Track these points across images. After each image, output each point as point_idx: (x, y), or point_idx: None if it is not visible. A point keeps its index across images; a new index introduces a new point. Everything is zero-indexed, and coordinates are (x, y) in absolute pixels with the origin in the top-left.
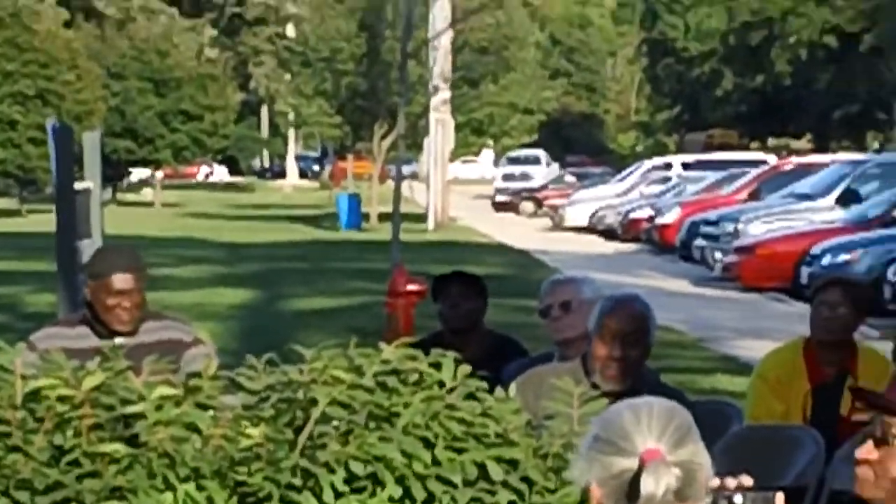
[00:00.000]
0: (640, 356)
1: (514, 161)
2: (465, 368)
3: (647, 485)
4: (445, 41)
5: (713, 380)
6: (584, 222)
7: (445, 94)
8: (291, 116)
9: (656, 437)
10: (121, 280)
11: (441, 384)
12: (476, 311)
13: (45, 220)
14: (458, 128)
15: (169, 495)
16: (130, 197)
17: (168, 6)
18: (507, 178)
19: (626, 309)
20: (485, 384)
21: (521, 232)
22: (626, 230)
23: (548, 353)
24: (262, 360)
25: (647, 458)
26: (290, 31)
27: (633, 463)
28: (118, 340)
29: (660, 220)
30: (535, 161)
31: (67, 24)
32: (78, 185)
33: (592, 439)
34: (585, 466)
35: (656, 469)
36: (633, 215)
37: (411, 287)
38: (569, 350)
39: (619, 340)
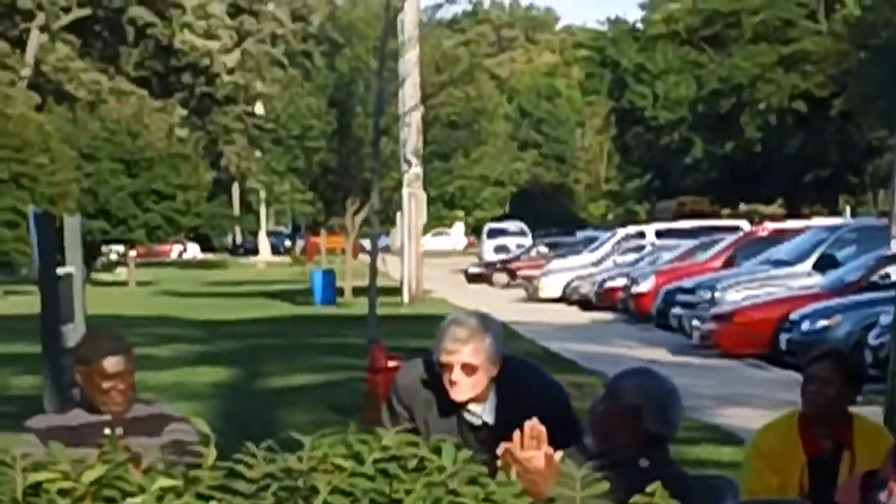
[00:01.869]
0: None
1: (498, 233)
2: (466, 453)
3: None
4: (417, 117)
5: (698, 450)
6: (559, 293)
7: (417, 168)
8: (263, 194)
9: None
10: (112, 363)
11: (442, 469)
12: None
13: (22, 303)
14: (430, 201)
15: None
16: (105, 276)
17: (138, 87)
18: (498, 250)
19: (617, 395)
20: (484, 469)
21: (496, 304)
22: (602, 300)
23: None
24: (261, 448)
25: None
26: (260, 109)
27: None
28: (107, 416)
29: (635, 289)
30: (522, 233)
31: (39, 108)
32: (60, 271)
33: None
34: None
35: None
36: (608, 285)
37: (391, 363)
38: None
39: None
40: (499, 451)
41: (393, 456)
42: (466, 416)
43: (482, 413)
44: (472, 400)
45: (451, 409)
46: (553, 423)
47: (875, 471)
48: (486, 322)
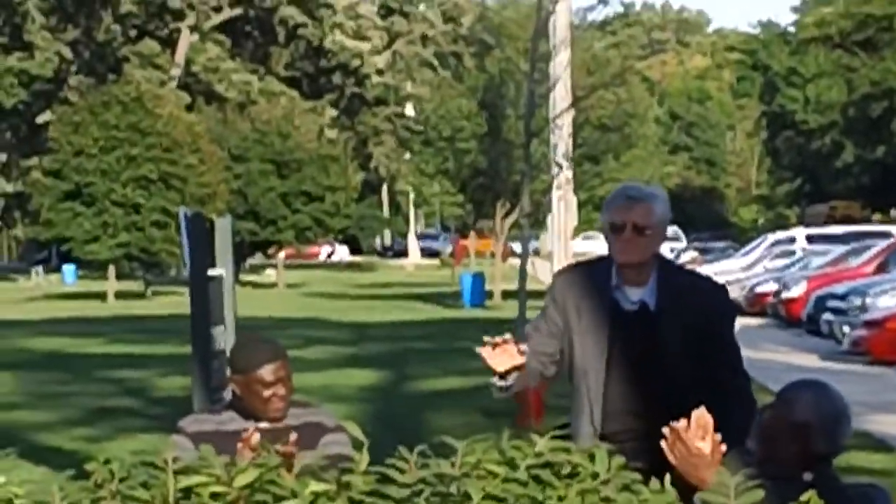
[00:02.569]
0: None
1: None
2: (620, 460)
3: None
4: (567, 119)
5: (849, 457)
6: None
7: (568, 172)
8: (412, 195)
9: None
10: (271, 371)
11: (595, 476)
12: None
13: (170, 303)
14: (580, 205)
15: None
16: (254, 278)
17: (288, 88)
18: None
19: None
20: (639, 476)
21: None
22: (752, 304)
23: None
24: (415, 452)
25: None
26: (410, 110)
27: None
28: (263, 424)
29: (786, 295)
30: (675, 238)
31: (189, 108)
32: (211, 272)
33: None
34: None
35: None
36: (758, 289)
37: None
38: (629, 272)
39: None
40: (665, 431)
41: (546, 462)
42: (621, 301)
43: (642, 296)
44: (635, 280)
45: (606, 292)
46: (717, 320)
47: None
48: (656, 189)
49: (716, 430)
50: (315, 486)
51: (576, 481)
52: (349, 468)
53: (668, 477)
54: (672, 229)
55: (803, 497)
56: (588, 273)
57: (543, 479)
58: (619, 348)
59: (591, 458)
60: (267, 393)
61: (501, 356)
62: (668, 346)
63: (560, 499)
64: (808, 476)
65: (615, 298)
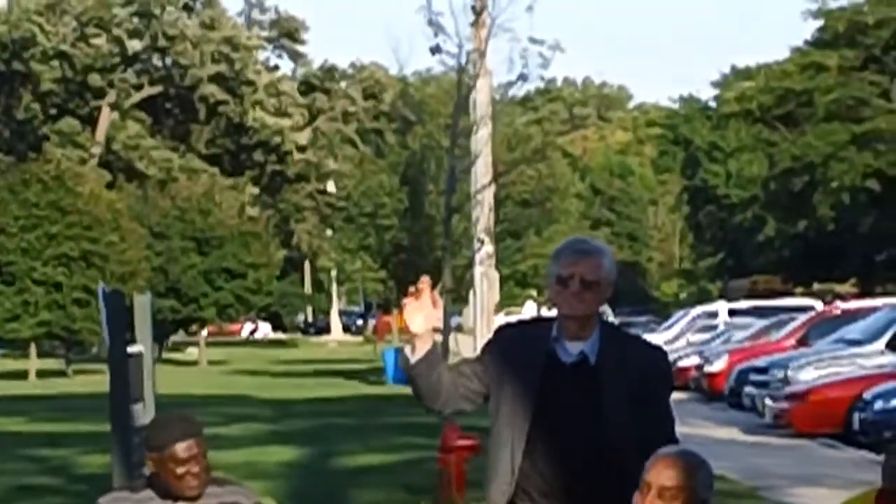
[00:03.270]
0: None
1: None
2: None
3: None
4: (488, 195)
5: None
6: None
7: (489, 247)
8: (334, 272)
9: None
10: (184, 448)
11: None
12: None
13: (91, 381)
14: (502, 280)
15: None
16: (176, 356)
17: (209, 165)
18: None
19: (668, 462)
20: None
21: None
22: (675, 378)
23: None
24: None
25: None
26: (332, 187)
27: None
28: (179, 503)
29: (708, 368)
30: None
31: (110, 186)
32: (130, 349)
33: None
34: None
35: None
36: (681, 363)
37: (462, 442)
38: (571, 325)
39: (652, 493)
40: None
41: None
42: (560, 353)
43: (582, 348)
44: (577, 333)
45: (545, 344)
46: (657, 381)
47: None
48: (603, 245)
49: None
50: None
51: None
52: None
53: None
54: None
55: None
56: (529, 327)
57: None
58: (551, 400)
59: None
60: (181, 470)
61: (419, 314)
62: (605, 400)
63: None
64: None
65: (554, 350)
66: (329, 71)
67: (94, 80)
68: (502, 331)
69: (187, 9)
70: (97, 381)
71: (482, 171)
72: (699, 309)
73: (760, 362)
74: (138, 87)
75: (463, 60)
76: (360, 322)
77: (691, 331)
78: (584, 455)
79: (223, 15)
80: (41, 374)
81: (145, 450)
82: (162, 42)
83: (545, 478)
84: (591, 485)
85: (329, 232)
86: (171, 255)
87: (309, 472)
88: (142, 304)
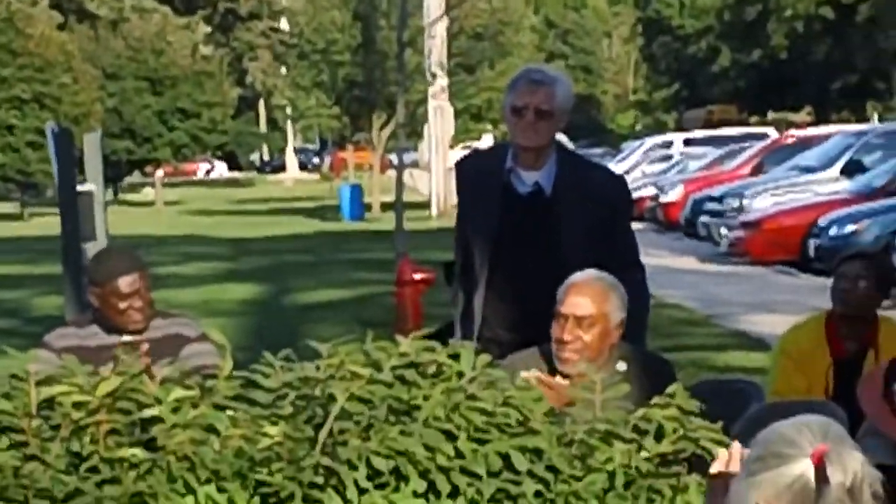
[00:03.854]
0: (596, 338)
1: None
2: (485, 357)
3: (834, 475)
4: (441, 28)
5: (726, 356)
6: None
7: (443, 81)
8: (289, 110)
9: (821, 439)
10: (127, 282)
11: (461, 375)
12: None
13: (47, 224)
14: (456, 114)
15: (190, 499)
16: (131, 197)
17: (161, 4)
18: None
19: (580, 288)
20: (503, 373)
21: None
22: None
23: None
24: (279, 357)
25: (820, 453)
26: (285, 24)
27: (804, 466)
28: (125, 337)
29: (663, 199)
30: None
31: (61, 27)
32: (80, 188)
33: (753, 461)
34: (749, 492)
35: (838, 457)
36: (636, 194)
37: (418, 276)
38: (526, 155)
39: (568, 323)
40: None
41: (411, 363)
42: (516, 184)
43: (538, 178)
44: (532, 164)
45: (500, 175)
46: (615, 208)
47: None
48: (560, 74)
49: None
50: (178, 393)
51: (441, 380)
52: (213, 374)
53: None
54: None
55: (669, 389)
56: (485, 158)
57: (409, 379)
58: (510, 231)
59: (456, 357)
60: (123, 305)
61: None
62: (562, 230)
63: (425, 398)
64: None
65: (509, 182)
66: None
67: None
68: (461, 164)
69: None
70: (53, 223)
71: (435, 4)
72: (654, 139)
73: (715, 191)
74: None
75: None
76: (315, 160)
77: (646, 161)
78: (544, 284)
79: None
80: None
81: (89, 284)
82: None
83: (509, 307)
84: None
85: (283, 70)
86: (124, 96)
87: (265, 308)
88: (91, 143)
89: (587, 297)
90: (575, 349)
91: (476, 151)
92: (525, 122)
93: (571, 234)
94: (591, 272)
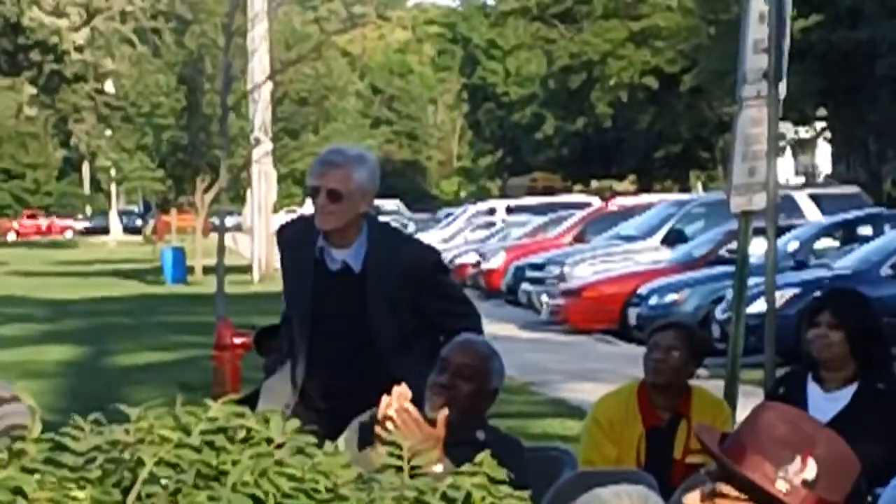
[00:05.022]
0: (472, 393)
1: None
2: (294, 423)
3: None
4: (265, 93)
5: (544, 424)
6: None
7: (267, 145)
8: (113, 172)
9: None
10: None
11: (269, 441)
12: None
13: None
14: (280, 179)
15: None
16: None
17: None
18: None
19: (467, 345)
20: (313, 438)
21: None
22: (452, 276)
23: None
24: (88, 421)
25: None
26: (110, 86)
27: None
28: None
29: (485, 265)
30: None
31: None
32: None
33: None
34: None
35: None
36: (458, 261)
37: (238, 340)
38: (331, 235)
39: (450, 370)
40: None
41: (220, 427)
42: (327, 260)
43: (345, 257)
44: (338, 243)
45: (314, 250)
46: (426, 275)
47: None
48: (363, 156)
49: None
50: None
51: (249, 445)
52: (22, 436)
53: (341, 439)
54: (394, 203)
55: (477, 458)
56: (303, 229)
57: (217, 444)
58: (324, 306)
59: (266, 421)
60: None
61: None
62: (368, 306)
63: (234, 463)
64: (481, 434)
65: (321, 258)
66: None
67: None
68: (282, 231)
69: None
70: None
71: (259, 69)
72: (477, 206)
73: (537, 259)
74: None
75: None
76: (139, 222)
77: (469, 228)
78: (354, 359)
79: None
80: None
81: None
82: None
83: (325, 378)
84: (364, 387)
85: (108, 132)
86: None
87: (84, 370)
88: None
89: (472, 352)
90: (451, 396)
91: (301, 218)
92: (318, 205)
93: (377, 309)
94: (475, 336)
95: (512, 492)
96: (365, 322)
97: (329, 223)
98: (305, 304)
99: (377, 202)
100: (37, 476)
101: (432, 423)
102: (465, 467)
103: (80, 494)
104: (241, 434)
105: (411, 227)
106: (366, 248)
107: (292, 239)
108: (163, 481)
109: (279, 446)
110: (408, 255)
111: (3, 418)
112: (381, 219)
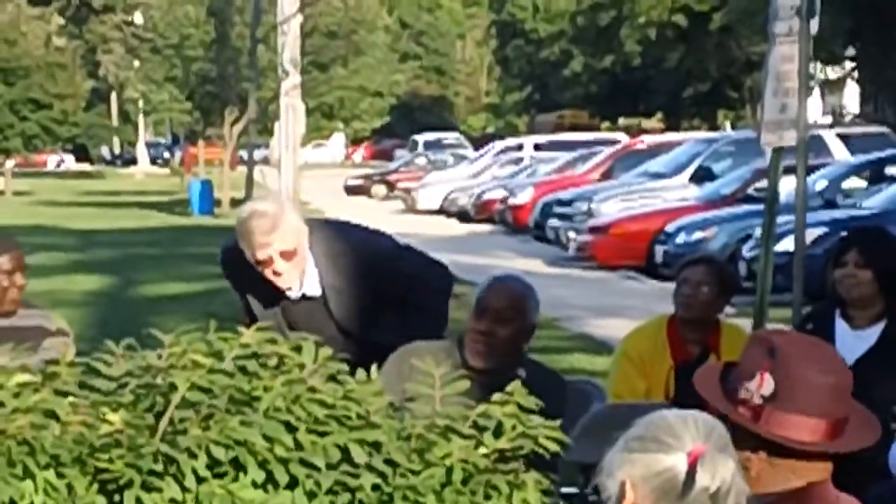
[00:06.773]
0: (511, 335)
1: (436, 146)
2: (326, 351)
3: (703, 479)
4: (295, 26)
5: (570, 359)
6: (437, 205)
7: (295, 78)
8: (141, 103)
9: (703, 438)
10: (7, 260)
11: (302, 367)
12: None
13: None
14: (308, 112)
15: (29, 483)
16: None
17: None
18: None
19: (502, 287)
20: (345, 366)
21: (374, 215)
22: (480, 212)
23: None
24: (121, 346)
25: (698, 453)
26: (139, 18)
27: (678, 460)
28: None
29: (513, 201)
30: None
31: None
32: None
33: (633, 439)
34: (621, 466)
35: (712, 461)
36: (485, 196)
37: None
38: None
39: (488, 316)
40: None
41: (253, 353)
42: (289, 293)
43: (303, 290)
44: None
45: (273, 296)
46: (385, 272)
47: (735, 362)
48: (280, 204)
49: None
50: (20, 378)
51: (282, 372)
52: (55, 360)
53: (374, 367)
54: (454, 136)
55: (508, 387)
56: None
57: (250, 369)
58: (295, 324)
59: (298, 349)
60: (5, 282)
61: None
62: (341, 321)
63: (266, 389)
64: (522, 372)
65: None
66: None
67: None
68: (227, 264)
69: None
70: None
71: (289, 2)
72: (505, 142)
73: (565, 195)
74: None
75: None
76: (167, 154)
77: (497, 164)
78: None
79: None
80: None
81: None
82: None
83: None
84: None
85: (136, 63)
86: None
87: (113, 300)
88: None
89: (511, 294)
90: (490, 343)
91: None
92: (274, 270)
93: (347, 322)
94: (510, 273)
95: (543, 421)
96: (338, 329)
97: (293, 278)
98: (275, 325)
99: (439, 135)
100: (70, 399)
101: (474, 370)
102: (496, 396)
103: (113, 418)
104: (274, 360)
105: (471, 154)
106: (317, 270)
107: (245, 267)
108: (195, 406)
109: (311, 373)
110: (358, 253)
111: (50, 350)
112: (441, 150)
